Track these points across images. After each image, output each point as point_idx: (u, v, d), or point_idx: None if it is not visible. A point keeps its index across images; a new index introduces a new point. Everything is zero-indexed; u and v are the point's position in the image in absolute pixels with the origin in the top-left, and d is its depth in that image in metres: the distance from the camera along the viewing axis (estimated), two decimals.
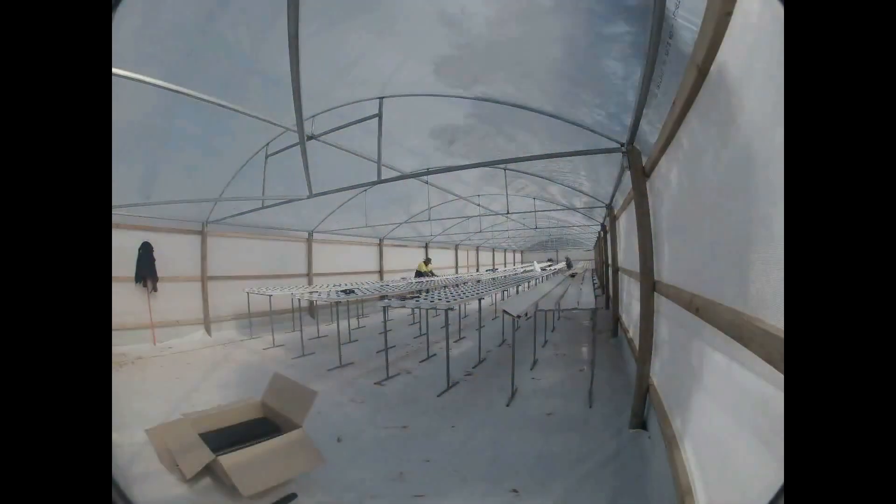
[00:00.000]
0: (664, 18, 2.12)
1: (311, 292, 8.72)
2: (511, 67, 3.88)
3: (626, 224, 6.24)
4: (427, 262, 14.73)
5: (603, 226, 11.62)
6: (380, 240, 14.17)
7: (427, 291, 9.39)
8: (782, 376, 1.11)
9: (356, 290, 8.44)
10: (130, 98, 4.03)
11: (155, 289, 7.71)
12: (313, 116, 5.12)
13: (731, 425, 1.70)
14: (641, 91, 2.81)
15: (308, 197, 5.85)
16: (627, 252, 6.30)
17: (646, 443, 3.45)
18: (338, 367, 6.46)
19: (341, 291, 8.37)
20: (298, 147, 4.71)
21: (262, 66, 4.15)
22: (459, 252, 21.24)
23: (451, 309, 5.70)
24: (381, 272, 14.33)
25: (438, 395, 5.11)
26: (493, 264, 26.64)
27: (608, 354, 6.63)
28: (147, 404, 4.66)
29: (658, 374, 3.54)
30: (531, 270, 19.13)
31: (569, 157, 5.38)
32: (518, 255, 36.20)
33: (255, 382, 5.63)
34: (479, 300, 7.28)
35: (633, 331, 5.33)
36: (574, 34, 3.07)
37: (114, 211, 6.12)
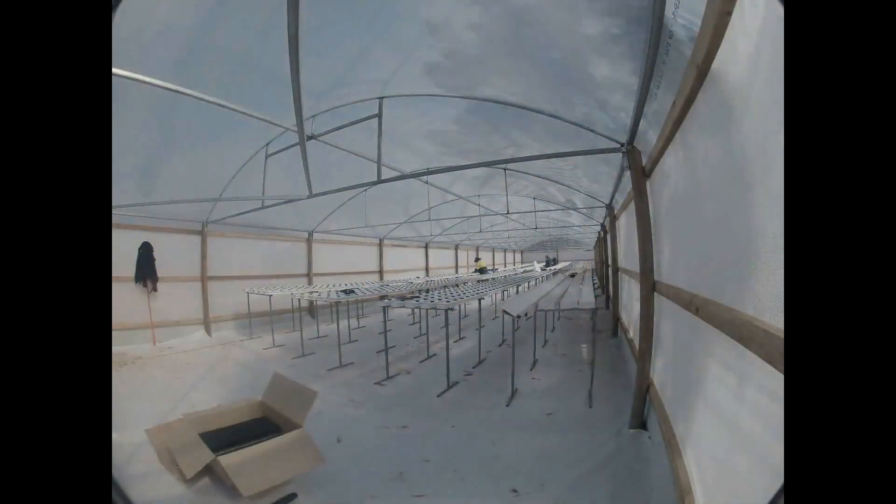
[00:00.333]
0: (664, 18, 2.12)
1: (310, 292, 8.73)
2: (510, 66, 3.88)
3: (626, 224, 6.24)
4: (477, 259, 18.02)
5: (603, 226, 11.63)
6: (380, 240, 14.17)
7: (427, 291, 9.39)
8: (782, 376, 1.11)
9: (356, 290, 8.45)
10: (130, 97, 4.03)
11: (155, 289, 7.71)
12: (313, 116, 5.12)
13: (731, 425, 1.70)
14: (641, 91, 2.81)
15: (308, 197, 5.85)
16: (627, 252, 6.31)
17: (646, 443, 3.46)
18: (338, 367, 6.46)
19: (341, 291, 8.37)
20: (298, 147, 4.71)
21: (262, 65, 4.14)
22: (459, 252, 21.25)
23: (451, 309, 5.70)
24: (381, 272, 14.33)
25: (438, 396, 5.11)
26: (494, 264, 26.64)
27: (608, 354, 6.63)
28: (147, 404, 4.66)
29: (658, 373, 3.54)
30: (531, 270, 19.14)
31: (569, 157, 5.38)
32: (518, 255, 36.19)
33: (255, 382, 5.64)
34: (479, 300, 7.28)
35: (633, 331, 5.34)
36: (574, 34, 3.06)
37: (114, 211, 6.12)
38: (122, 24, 3.01)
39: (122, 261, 7.27)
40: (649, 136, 3.29)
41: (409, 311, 11.11)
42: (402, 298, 7.69)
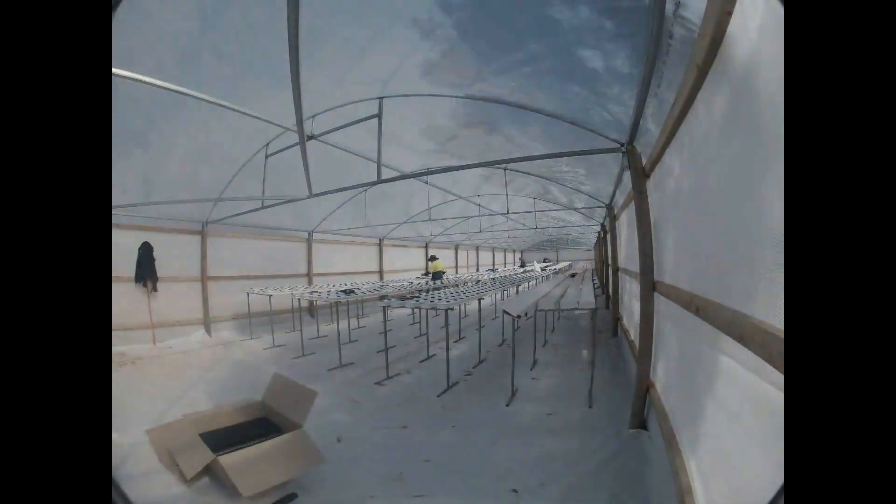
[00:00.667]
0: (664, 18, 2.12)
1: (310, 292, 8.72)
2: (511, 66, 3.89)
3: (627, 224, 6.24)
4: (432, 259, 13.79)
5: (603, 225, 11.63)
6: (380, 240, 14.17)
7: (427, 291, 9.39)
8: (782, 376, 1.11)
9: (356, 290, 8.44)
10: (131, 97, 4.03)
11: (155, 289, 7.70)
12: (313, 116, 5.12)
13: (731, 425, 1.70)
14: (641, 91, 2.81)
15: (308, 197, 5.85)
16: (628, 252, 6.30)
17: (646, 442, 3.46)
18: (338, 367, 6.46)
19: (341, 291, 8.37)
20: (298, 147, 4.71)
21: (261, 66, 4.14)
22: (459, 252, 21.25)
23: (451, 309, 5.70)
24: (381, 272, 14.33)
25: (438, 396, 5.11)
26: (493, 264, 26.65)
27: (608, 354, 6.63)
28: (147, 404, 4.66)
29: (658, 374, 3.54)
30: (531, 270, 19.14)
31: (569, 157, 5.37)
32: (518, 255, 36.18)
33: (255, 382, 5.63)
34: (479, 300, 7.29)
35: (633, 331, 5.33)
36: (574, 33, 3.06)
37: (114, 211, 6.12)
38: (123, 24, 3.01)
39: (121, 261, 7.27)
40: (649, 136, 3.29)
41: (409, 311, 11.11)
42: (402, 298, 7.69)
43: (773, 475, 1.19)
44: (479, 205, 10.31)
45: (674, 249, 3.03)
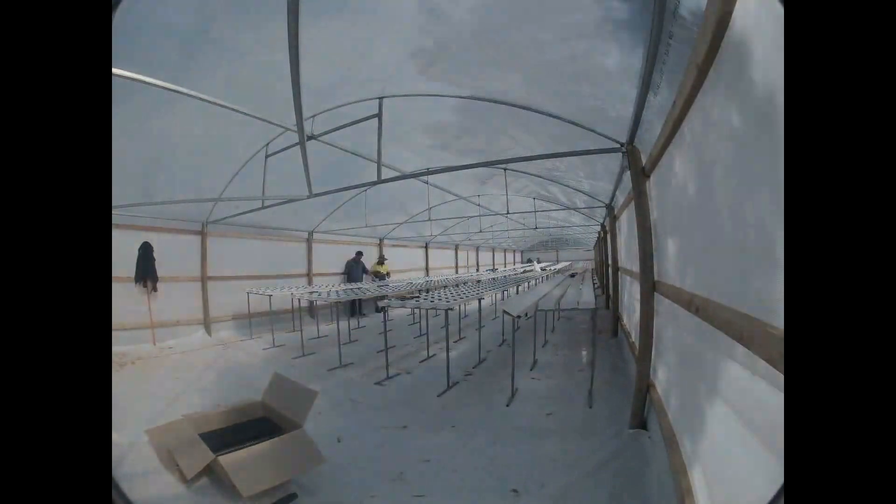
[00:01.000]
0: (664, 18, 2.12)
1: (311, 292, 8.72)
2: (511, 66, 3.89)
3: (627, 224, 6.24)
4: (382, 262, 13.49)
5: (603, 225, 11.63)
6: (380, 240, 14.17)
7: (428, 291, 9.39)
8: (782, 376, 1.11)
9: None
10: (130, 97, 4.03)
11: (155, 289, 7.70)
12: (313, 116, 5.12)
13: (731, 425, 1.70)
14: (641, 90, 2.81)
15: (308, 197, 5.85)
16: (628, 252, 6.31)
17: (646, 443, 3.45)
18: (338, 367, 6.46)
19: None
20: (298, 147, 4.71)
21: (261, 65, 4.14)
22: (459, 252, 21.25)
23: (451, 309, 5.70)
24: None
25: (438, 396, 5.11)
26: (494, 264, 26.65)
27: (608, 354, 6.62)
28: (147, 404, 4.66)
29: (658, 373, 3.54)
30: (531, 270, 19.14)
31: (569, 157, 5.37)
32: (518, 255, 36.18)
33: (256, 382, 5.63)
34: (479, 300, 7.29)
35: (633, 331, 5.33)
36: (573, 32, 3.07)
37: (113, 211, 6.12)
38: (122, 23, 3.01)
39: (121, 261, 7.27)
40: (649, 136, 3.29)
41: (409, 311, 11.11)
42: (402, 298, 7.69)
43: (773, 475, 1.19)
44: (479, 205, 10.30)
45: (674, 249, 3.03)
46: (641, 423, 3.70)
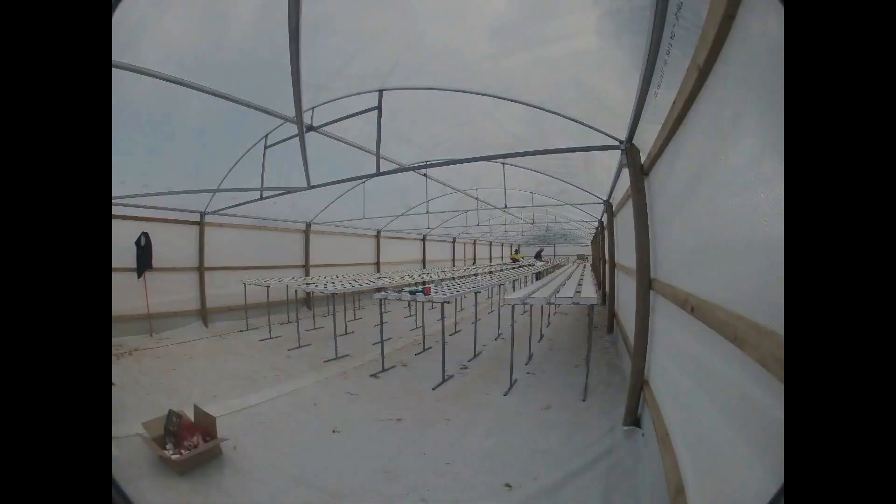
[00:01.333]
0: (665, 18, 2.12)
1: (308, 283, 8.72)
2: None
3: (624, 221, 6.24)
4: (517, 251, 19.07)
5: (601, 222, 11.64)
6: (377, 232, 14.16)
7: (424, 284, 9.39)
8: (774, 377, 1.13)
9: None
10: (129, 87, 4.01)
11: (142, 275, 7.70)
12: (312, 108, 5.10)
13: (725, 425, 1.72)
14: (641, 89, 2.81)
15: (306, 188, 5.84)
16: (625, 249, 6.32)
17: (639, 440, 3.48)
18: (334, 359, 6.48)
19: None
20: (297, 138, 4.70)
21: (262, 56, 4.12)
22: (456, 245, 21.25)
23: (448, 302, 5.71)
24: (377, 264, 14.34)
25: (433, 389, 5.13)
26: (490, 258, 26.65)
27: (604, 351, 6.66)
28: (143, 396, 4.67)
29: (653, 371, 3.56)
30: (530, 265, 19.17)
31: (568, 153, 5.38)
32: (515, 249, 36.16)
33: (252, 374, 5.67)
34: (476, 294, 7.30)
35: (629, 328, 5.35)
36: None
37: (112, 202, 6.10)
38: (123, 15, 2.99)
39: (119, 251, 7.25)
40: (648, 135, 3.29)
41: (406, 303, 11.13)
42: (399, 291, 7.69)
43: (768, 476, 1.20)
44: (476, 198, 10.29)
45: (671, 248, 3.04)
46: (635, 421, 3.73)
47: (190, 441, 3.31)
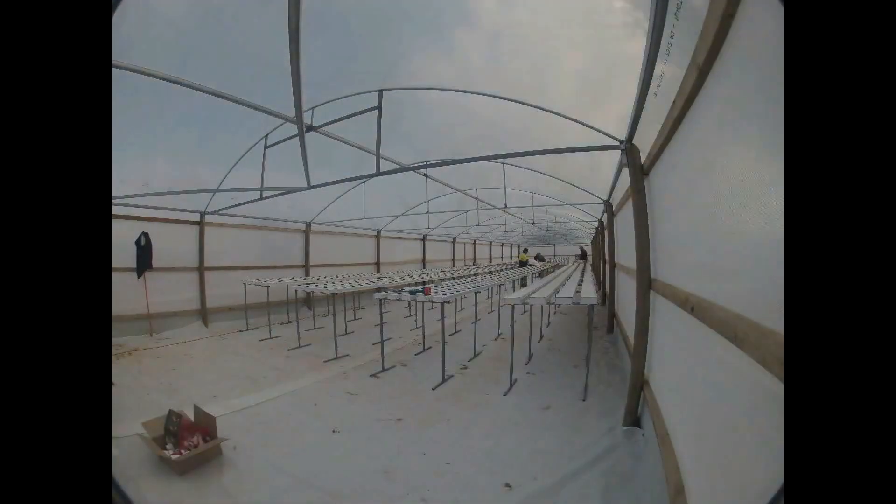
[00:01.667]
0: (665, 18, 2.12)
1: (308, 283, 8.72)
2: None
3: (624, 221, 6.24)
4: (525, 251, 20.45)
5: (601, 222, 11.64)
6: (377, 232, 14.16)
7: (423, 284, 9.39)
8: (775, 377, 1.13)
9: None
10: (130, 88, 4.01)
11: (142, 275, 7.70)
12: (312, 108, 5.10)
13: (725, 425, 1.72)
14: (641, 89, 2.81)
15: (306, 188, 5.83)
16: (625, 249, 6.32)
17: (639, 440, 3.48)
18: (334, 359, 6.48)
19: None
20: (297, 138, 4.70)
21: (262, 56, 4.12)
22: (456, 245, 21.25)
23: (448, 302, 5.71)
24: (377, 264, 14.34)
25: (433, 389, 5.13)
26: (490, 258, 26.66)
27: (604, 351, 6.66)
28: (143, 396, 4.67)
29: (653, 371, 3.56)
30: (531, 266, 19.16)
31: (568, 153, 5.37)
32: (516, 249, 36.16)
33: (252, 374, 5.67)
34: (476, 294, 7.30)
35: (629, 328, 5.35)
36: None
37: (112, 202, 6.10)
38: (124, 15, 2.99)
39: (119, 251, 7.25)
40: (649, 135, 3.29)
41: (406, 303, 11.13)
42: (399, 291, 7.69)
43: (768, 476, 1.20)
44: (476, 199, 10.28)
45: (671, 248, 3.04)
46: (635, 421, 3.73)
47: (190, 441, 3.31)
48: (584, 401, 4.57)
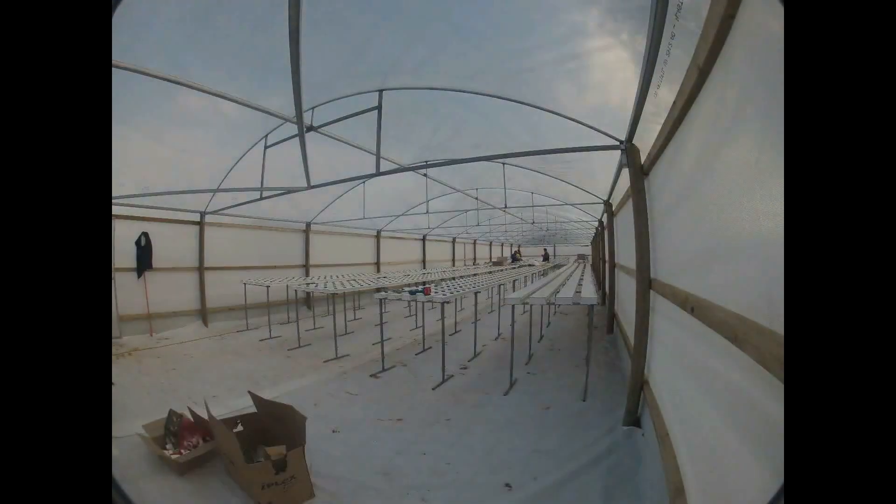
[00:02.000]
0: (665, 18, 2.12)
1: (307, 283, 8.72)
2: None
3: (624, 221, 6.24)
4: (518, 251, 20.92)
5: (601, 222, 11.64)
6: (377, 232, 14.17)
7: (423, 284, 9.40)
8: (775, 377, 1.13)
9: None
10: (129, 87, 4.01)
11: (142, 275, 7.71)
12: (312, 108, 5.10)
13: (725, 425, 1.72)
14: (641, 89, 2.81)
15: (306, 188, 5.83)
16: (625, 249, 6.32)
17: (639, 440, 3.48)
18: (334, 359, 6.48)
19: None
20: (297, 138, 4.70)
21: (262, 56, 4.12)
22: (456, 245, 21.25)
23: (448, 302, 5.71)
24: (377, 264, 14.34)
25: (434, 389, 5.13)
26: (490, 258, 26.66)
27: (604, 351, 6.66)
28: (143, 396, 4.67)
29: (653, 371, 3.56)
30: (531, 266, 19.17)
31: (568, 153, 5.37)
32: (516, 249, 36.15)
33: (252, 374, 5.67)
34: (476, 294, 7.30)
35: (629, 328, 5.35)
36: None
37: (112, 202, 6.10)
38: (124, 13, 2.99)
39: (119, 251, 7.25)
40: (649, 135, 3.29)
41: (406, 303, 11.13)
42: (399, 291, 7.70)
43: (768, 476, 1.20)
44: (476, 198, 10.29)
45: (671, 248, 3.04)
46: (635, 421, 3.73)
47: (190, 441, 3.31)
48: (584, 401, 4.57)
